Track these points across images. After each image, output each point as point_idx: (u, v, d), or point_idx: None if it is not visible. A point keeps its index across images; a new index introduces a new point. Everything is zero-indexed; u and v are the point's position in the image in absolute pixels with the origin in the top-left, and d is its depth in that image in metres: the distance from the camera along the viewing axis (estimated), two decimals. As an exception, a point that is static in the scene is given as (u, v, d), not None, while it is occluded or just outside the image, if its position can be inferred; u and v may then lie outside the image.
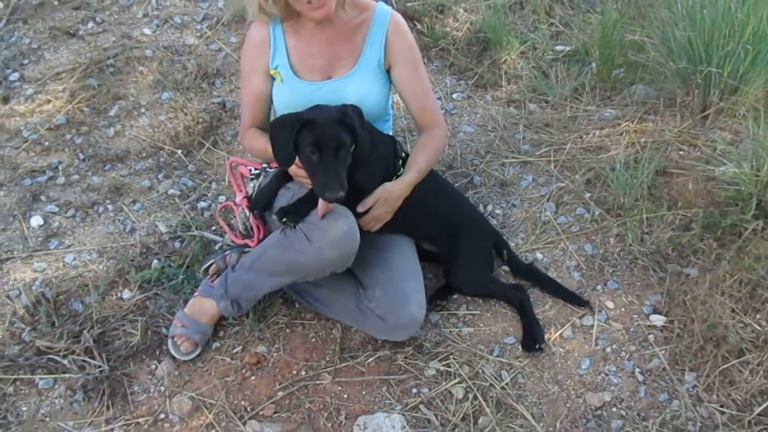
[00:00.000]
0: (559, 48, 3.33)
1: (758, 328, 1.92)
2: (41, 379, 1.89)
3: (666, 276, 2.09)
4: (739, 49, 2.44)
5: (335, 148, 1.68)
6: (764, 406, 1.75)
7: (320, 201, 1.71)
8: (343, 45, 1.93)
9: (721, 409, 1.77)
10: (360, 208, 1.82)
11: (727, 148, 2.32)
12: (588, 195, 2.40)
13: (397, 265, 1.93)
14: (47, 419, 1.82)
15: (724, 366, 1.82)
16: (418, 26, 3.24)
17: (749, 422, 1.73)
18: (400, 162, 1.95)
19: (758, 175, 2.13)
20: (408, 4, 3.28)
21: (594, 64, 3.07)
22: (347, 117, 1.72)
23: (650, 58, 2.91)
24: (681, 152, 2.49)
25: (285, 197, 1.93)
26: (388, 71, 1.99)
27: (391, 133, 2.17)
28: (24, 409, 1.84)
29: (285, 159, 1.74)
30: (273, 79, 1.98)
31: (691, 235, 2.11)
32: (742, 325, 1.93)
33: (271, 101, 2.03)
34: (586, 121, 2.79)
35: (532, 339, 1.93)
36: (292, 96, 1.95)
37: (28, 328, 2.00)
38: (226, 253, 2.13)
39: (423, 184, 1.99)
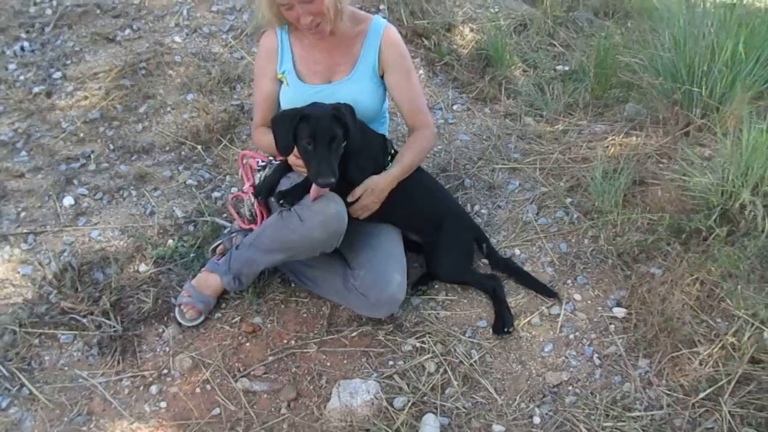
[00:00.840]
0: (559, 68, 3.54)
1: (713, 324, 2.07)
2: (63, 334, 2.14)
3: (632, 274, 2.26)
4: (715, 71, 2.62)
5: (328, 140, 1.90)
6: (709, 391, 1.90)
7: (313, 186, 1.94)
8: (341, 53, 2.18)
9: (668, 392, 1.93)
10: (349, 198, 2.04)
11: (700, 162, 2.48)
12: (569, 200, 2.59)
13: (381, 250, 2.15)
14: (65, 368, 2.06)
15: (674, 353, 1.98)
16: (426, 43, 3.49)
17: (693, 404, 1.88)
18: (389, 158, 2.18)
19: (724, 186, 2.30)
20: (417, 22, 3.53)
21: (588, 83, 3.27)
22: (340, 113, 1.95)
23: (639, 79, 3.10)
24: (660, 165, 2.67)
25: (285, 185, 2.16)
26: (382, 77, 2.22)
27: (387, 136, 2.40)
28: (46, 358, 2.08)
29: (284, 148, 1.98)
30: (281, 82, 2.23)
31: (656, 237, 2.28)
32: (698, 320, 2.09)
33: (279, 102, 2.27)
34: (576, 134, 2.99)
35: (501, 323, 2.12)
36: (296, 98, 2.19)
37: (55, 291, 2.25)
38: (233, 235, 2.37)
39: (410, 179, 2.21)
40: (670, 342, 2.02)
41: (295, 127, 1.93)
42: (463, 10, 3.83)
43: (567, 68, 3.54)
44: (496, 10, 3.89)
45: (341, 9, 2.09)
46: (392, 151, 2.21)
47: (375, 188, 2.07)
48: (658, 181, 2.55)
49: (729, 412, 1.84)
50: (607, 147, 2.83)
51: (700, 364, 1.97)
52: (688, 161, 2.57)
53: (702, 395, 1.90)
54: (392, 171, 2.12)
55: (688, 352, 1.99)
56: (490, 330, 2.15)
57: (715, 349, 1.99)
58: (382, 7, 3.70)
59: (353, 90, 2.18)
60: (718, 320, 2.09)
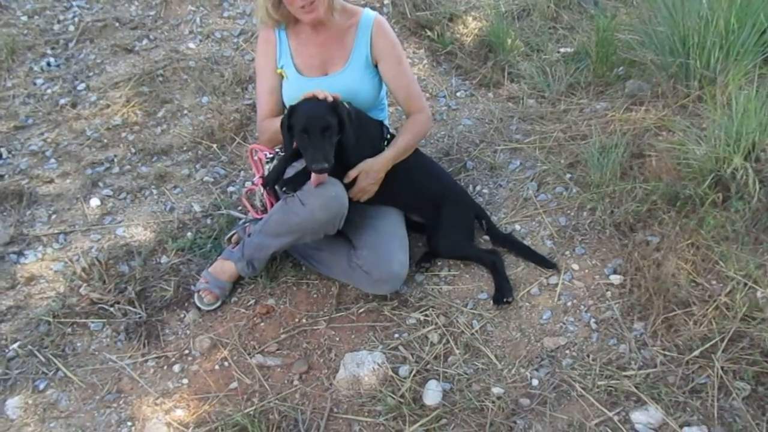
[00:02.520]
0: (562, 50, 3.60)
1: (707, 286, 2.13)
2: (92, 322, 2.31)
3: (629, 243, 2.32)
4: (709, 43, 2.66)
5: (321, 129, 2.02)
6: (702, 348, 1.96)
7: (313, 174, 2.07)
8: (335, 46, 2.30)
9: (662, 352, 2.00)
10: (345, 180, 2.16)
11: (696, 131, 2.53)
12: (568, 176, 2.66)
13: (383, 230, 2.26)
14: (96, 353, 2.23)
15: (668, 314, 2.05)
16: (430, 34, 3.59)
17: (686, 362, 1.95)
18: (386, 143, 2.29)
19: (717, 153, 2.35)
20: (419, 14, 3.63)
21: (589, 63, 3.32)
22: (336, 103, 2.07)
23: (639, 55, 3.15)
24: (659, 137, 2.72)
25: (290, 173, 2.29)
26: (375, 66, 2.34)
27: (387, 122, 2.51)
28: (78, 345, 2.26)
29: (288, 142, 2.12)
30: (281, 77, 2.37)
31: (652, 206, 2.34)
32: (693, 284, 2.15)
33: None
34: (578, 113, 3.05)
35: (501, 294, 2.22)
36: (295, 90, 2.31)
37: (84, 284, 2.43)
38: (246, 224, 2.51)
39: (410, 162, 2.32)
40: (664, 305, 2.08)
41: (289, 118, 2.06)
42: (465, -1, 3.92)
43: (570, 50, 3.59)
44: (499, -2, 3.96)
45: (335, 0, 2.22)
46: (388, 136, 2.32)
47: (370, 171, 2.19)
48: (655, 153, 2.60)
49: (722, 367, 1.90)
50: (607, 123, 2.88)
51: (695, 324, 2.03)
52: (684, 132, 2.62)
53: (696, 353, 1.96)
54: (386, 153, 2.23)
55: (683, 313, 2.06)
56: (491, 301, 2.25)
57: (709, 310, 2.05)
58: (386, 1, 3.82)
59: (349, 81, 2.31)
60: (713, 282, 2.14)
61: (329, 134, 2.04)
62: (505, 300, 2.21)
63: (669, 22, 2.87)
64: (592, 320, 2.13)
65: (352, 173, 2.17)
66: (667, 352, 2.00)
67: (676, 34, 2.80)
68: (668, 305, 2.08)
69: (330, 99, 2.06)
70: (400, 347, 2.14)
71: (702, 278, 2.16)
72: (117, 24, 3.76)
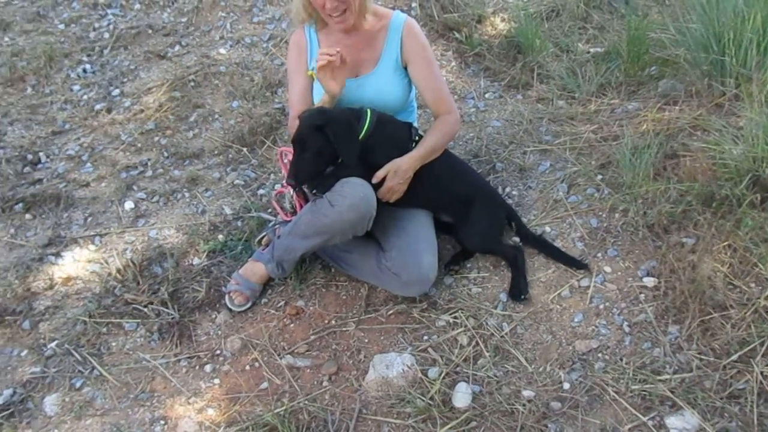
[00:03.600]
0: (592, 50, 3.56)
1: (746, 289, 2.07)
2: (127, 322, 2.36)
3: (662, 244, 2.28)
4: (745, 40, 2.60)
5: (300, 148, 2.11)
6: (741, 353, 1.91)
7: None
8: (366, 48, 2.31)
9: (698, 356, 1.95)
10: (374, 180, 2.17)
11: (732, 131, 2.48)
12: (600, 177, 2.62)
13: (412, 232, 2.26)
14: (130, 353, 2.27)
15: (704, 317, 2.00)
16: (458, 35, 3.58)
17: (724, 366, 1.90)
18: (414, 144, 2.29)
19: (755, 152, 2.29)
20: (447, 16, 3.62)
21: (620, 63, 3.27)
22: (326, 128, 2.09)
23: (672, 54, 3.09)
24: (693, 137, 2.66)
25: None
26: (405, 68, 2.34)
27: (416, 124, 2.51)
28: (113, 344, 2.30)
29: None
30: (312, 78, 2.39)
31: (687, 207, 2.30)
32: (730, 286, 2.10)
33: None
34: (609, 113, 3.01)
35: (518, 290, 2.22)
36: (326, 92, 2.34)
37: (119, 285, 2.48)
38: (276, 227, 2.53)
39: (440, 162, 2.32)
40: (700, 308, 2.04)
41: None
42: (494, 0, 3.90)
43: (600, 50, 3.55)
44: (528, -1, 3.94)
45: (366, 6, 2.23)
46: (417, 138, 2.32)
47: (398, 170, 2.19)
48: (689, 153, 2.55)
49: (761, 372, 1.85)
50: (639, 123, 2.84)
51: (732, 328, 1.99)
52: (719, 131, 2.56)
53: (734, 357, 1.91)
54: (414, 153, 2.23)
55: (719, 316, 2.01)
56: (521, 305, 2.23)
57: (748, 313, 2.00)
58: (414, 4, 3.83)
59: (379, 83, 2.32)
60: (752, 285, 2.09)
61: (309, 154, 2.11)
62: (522, 297, 2.20)
63: (703, 19, 2.82)
64: (625, 323, 2.10)
65: (380, 173, 2.18)
66: (703, 356, 1.95)
67: (710, 32, 2.74)
68: (704, 308, 2.04)
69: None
70: (430, 349, 2.13)
71: (740, 281, 2.10)
72: (150, 31, 3.83)
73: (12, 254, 2.68)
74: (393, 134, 2.25)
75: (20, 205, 2.89)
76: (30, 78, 3.58)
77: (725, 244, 2.17)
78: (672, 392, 1.86)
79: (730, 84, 2.76)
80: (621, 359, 2.00)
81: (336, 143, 2.10)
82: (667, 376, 1.91)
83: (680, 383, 1.89)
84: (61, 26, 3.91)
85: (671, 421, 1.80)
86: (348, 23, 2.18)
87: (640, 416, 1.83)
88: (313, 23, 2.34)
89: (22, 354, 2.30)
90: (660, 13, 3.73)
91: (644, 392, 1.88)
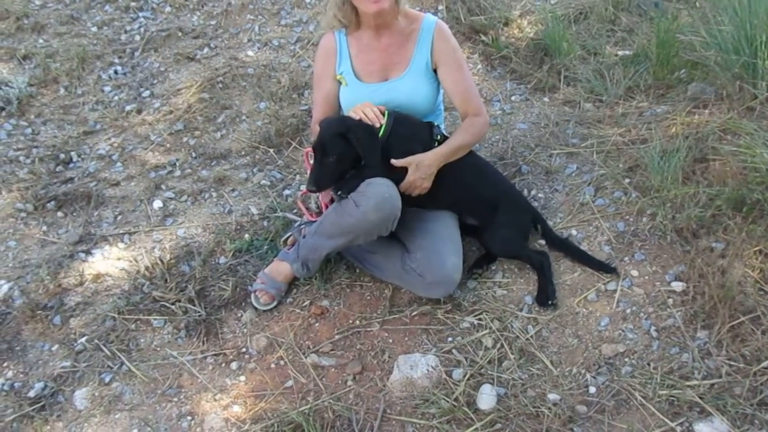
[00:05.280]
0: (620, 53, 3.53)
1: (777, 294, 2.04)
2: (155, 319, 2.39)
3: (691, 249, 2.25)
4: (778, 41, 2.56)
5: (321, 154, 2.15)
6: (772, 360, 1.88)
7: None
8: (396, 51, 2.32)
9: (728, 362, 1.92)
10: (393, 164, 2.18)
11: (761, 134, 2.43)
12: (627, 181, 2.59)
13: (437, 233, 2.26)
14: (158, 349, 2.31)
15: (734, 323, 1.97)
16: (484, 38, 3.58)
17: (754, 373, 1.87)
18: (436, 144, 2.28)
19: (787, 156, 2.25)
20: (473, 19, 3.62)
21: (649, 65, 3.23)
22: (349, 133, 2.12)
23: (702, 57, 3.05)
24: (723, 141, 2.62)
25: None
26: (435, 71, 2.34)
27: (443, 126, 2.51)
28: (142, 341, 2.34)
29: None
30: (339, 83, 2.40)
31: (716, 211, 2.26)
32: (762, 292, 2.06)
33: (339, 101, 2.44)
34: (637, 116, 2.97)
35: (545, 296, 2.19)
36: (354, 96, 2.36)
37: (148, 283, 2.52)
38: (302, 227, 2.55)
39: (466, 164, 2.32)
40: (729, 313, 2.00)
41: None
42: (521, 3, 3.89)
43: (629, 53, 3.52)
44: (555, 1, 3.92)
45: (400, 1, 2.25)
46: (439, 137, 2.31)
47: (420, 164, 2.19)
48: (719, 157, 2.51)
49: (793, 380, 1.81)
50: (668, 126, 2.80)
51: (763, 334, 1.95)
52: (751, 135, 2.52)
53: (765, 364, 1.88)
54: (439, 149, 2.23)
55: (749, 321, 1.98)
56: (534, 302, 2.22)
57: (780, 319, 1.96)
58: (440, 7, 3.83)
59: (408, 87, 2.33)
60: (785, 291, 2.05)
61: (330, 160, 2.14)
62: (549, 302, 2.18)
63: (734, 21, 2.77)
64: (653, 328, 2.07)
65: (401, 162, 2.18)
66: (732, 362, 1.92)
67: (742, 34, 2.70)
68: (734, 314, 2.00)
69: (373, 116, 2.17)
70: (454, 351, 2.13)
71: (771, 287, 2.07)
72: (180, 33, 3.90)
73: (44, 251, 2.74)
74: (413, 132, 2.26)
75: (52, 203, 2.95)
76: (63, 79, 3.66)
77: (756, 249, 2.14)
78: (701, 398, 1.83)
79: (762, 87, 2.71)
80: (648, 364, 1.98)
81: (359, 147, 2.13)
82: (696, 382, 1.88)
83: (709, 389, 1.86)
84: (94, 29, 3.99)
85: (700, 427, 1.77)
86: (383, 4, 2.17)
87: (668, 422, 1.81)
88: (343, 29, 2.36)
89: (53, 348, 2.35)
90: (690, 15, 3.68)
91: (672, 398, 1.86)
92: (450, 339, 2.18)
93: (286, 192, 2.94)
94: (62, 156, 3.22)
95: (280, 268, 2.41)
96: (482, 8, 3.73)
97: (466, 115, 2.38)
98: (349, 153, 2.15)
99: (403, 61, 2.34)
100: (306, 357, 2.19)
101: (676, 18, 3.43)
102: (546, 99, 3.28)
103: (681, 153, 2.49)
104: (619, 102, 3.12)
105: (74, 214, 2.92)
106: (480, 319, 2.21)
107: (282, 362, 2.20)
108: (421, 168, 2.19)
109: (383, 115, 2.21)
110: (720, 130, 2.66)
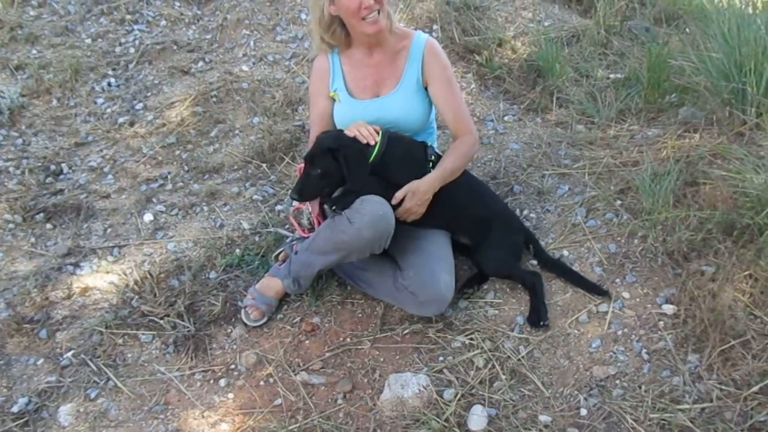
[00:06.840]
0: (612, 76, 3.57)
1: (767, 319, 2.05)
2: (143, 334, 2.36)
3: (682, 272, 2.26)
4: (767, 69, 2.60)
5: (309, 166, 2.17)
6: (762, 384, 1.88)
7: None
8: (387, 68, 2.34)
9: (719, 386, 1.92)
10: (393, 202, 2.17)
11: (753, 160, 2.46)
12: (619, 202, 2.61)
13: (429, 251, 2.26)
14: (146, 364, 2.28)
15: (724, 347, 1.97)
16: (478, 58, 3.61)
17: (745, 398, 1.87)
18: (431, 165, 2.29)
19: (777, 181, 2.28)
20: (468, 39, 3.66)
21: (640, 89, 3.27)
22: (337, 151, 2.14)
23: (692, 81, 3.09)
24: (714, 165, 2.65)
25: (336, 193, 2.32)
26: (426, 88, 2.36)
27: (435, 145, 2.53)
28: (129, 355, 2.31)
29: None
30: (333, 100, 2.41)
31: (707, 235, 2.28)
32: (752, 316, 2.07)
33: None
34: (628, 139, 3.00)
35: (537, 316, 2.20)
36: (347, 113, 2.37)
37: (136, 297, 2.49)
38: (293, 243, 2.54)
39: (459, 184, 2.33)
40: (720, 337, 2.01)
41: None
42: (515, 25, 3.93)
43: (620, 76, 3.56)
44: (548, 23, 3.97)
45: (392, 18, 2.28)
46: (433, 157, 2.32)
47: (416, 191, 2.19)
48: (710, 181, 2.54)
49: (783, 405, 1.82)
50: (659, 150, 2.83)
51: (753, 359, 1.96)
52: (740, 160, 2.55)
53: (755, 389, 1.89)
54: (433, 174, 2.24)
55: (740, 345, 1.98)
56: (526, 323, 2.22)
57: (769, 344, 1.97)
58: (435, 27, 3.86)
59: (399, 103, 2.34)
60: (774, 316, 2.06)
61: (315, 173, 2.18)
62: (541, 323, 2.18)
63: (724, 48, 2.82)
64: (644, 350, 2.08)
65: (399, 194, 2.19)
66: (723, 387, 1.92)
67: (731, 60, 2.74)
68: (725, 338, 2.01)
69: (368, 134, 2.19)
70: (445, 370, 2.12)
71: (761, 311, 2.08)
72: (175, 47, 3.89)
73: (32, 263, 2.71)
74: (407, 152, 2.27)
75: (41, 214, 2.92)
76: (56, 90, 3.64)
77: (746, 273, 2.15)
78: (692, 422, 1.83)
79: (751, 113, 2.75)
80: (639, 387, 1.97)
81: (345, 167, 2.14)
82: (687, 406, 1.88)
83: (700, 413, 1.86)
84: (88, 41, 3.98)
85: (691, 451, 1.77)
86: (381, 25, 2.20)
87: (659, 446, 1.81)
88: (335, 49, 2.37)
89: (39, 363, 2.31)
90: (680, 40, 3.74)
91: (663, 421, 1.86)
92: (441, 358, 2.17)
93: (278, 207, 2.94)
94: (53, 167, 3.19)
95: (271, 284, 2.39)
96: (476, 29, 3.77)
97: (457, 134, 2.38)
98: (335, 170, 2.17)
99: (394, 77, 2.35)
100: (296, 374, 2.17)
101: (666, 43, 3.48)
102: (539, 120, 3.31)
103: (672, 176, 2.51)
104: (611, 124, 3.15)
105: (63, 226, 2.89)
106: (471, 339, 2.20)
107: (271, 379, 2.17)
108: (417, 195, 2.20)
109: (377, 134, 2.22)
110: (710, 154, 2.69)
